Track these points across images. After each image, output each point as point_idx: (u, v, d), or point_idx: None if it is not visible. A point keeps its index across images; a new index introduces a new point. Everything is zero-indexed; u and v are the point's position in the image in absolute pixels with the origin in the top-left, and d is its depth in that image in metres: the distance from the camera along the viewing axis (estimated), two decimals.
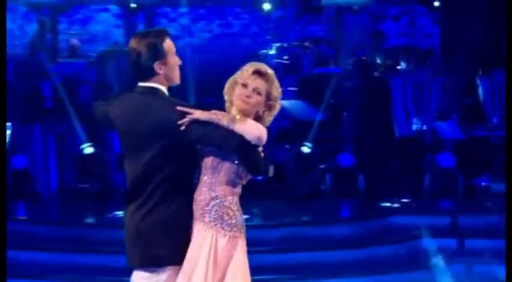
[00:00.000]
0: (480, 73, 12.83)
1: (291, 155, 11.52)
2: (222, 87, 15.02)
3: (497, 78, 12.60)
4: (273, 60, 12.77)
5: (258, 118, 5.24)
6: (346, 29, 13.96)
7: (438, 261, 9.51)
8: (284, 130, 12.15)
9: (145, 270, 5.18)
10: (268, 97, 5.21)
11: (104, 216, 11.33)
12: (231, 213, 5.18)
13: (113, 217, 10.97)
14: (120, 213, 10.26)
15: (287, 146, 11.72)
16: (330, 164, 11.52)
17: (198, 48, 13.61)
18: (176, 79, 5.29)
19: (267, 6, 13.52)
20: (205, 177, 5.12)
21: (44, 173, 11.94)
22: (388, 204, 10.85)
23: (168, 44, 5.32)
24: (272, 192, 11.35)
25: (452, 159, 11.29)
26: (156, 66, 5.14)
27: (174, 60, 5.27)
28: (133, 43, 5.20)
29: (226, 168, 5.07)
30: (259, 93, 5.16)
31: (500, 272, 8.89)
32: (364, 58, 12.91)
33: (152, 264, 5.13)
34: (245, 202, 11.68)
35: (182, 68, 14.72)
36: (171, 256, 5.17)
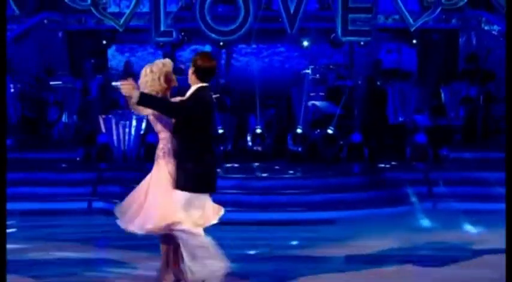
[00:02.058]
0: (442, 85, 12.75)
1: (321, 135, 11.40)
2: (278, 96, 15.07)
3: (454, 88, 12.59)
4: (310, 77, 12.64)
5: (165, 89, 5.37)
6: (356, 57, 14.02)
7: (414, 200, 9.67)
8: (317, 119, 11.98)
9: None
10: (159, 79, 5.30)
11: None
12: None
13: None
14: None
15: (318, 130, 11.55)
16: (346, 141, 11.36)
17: (262, 70, 13.44)
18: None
19: (305, 43, 13.25)
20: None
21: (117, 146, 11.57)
22: (382, 166, 10.83)
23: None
24: (309, 159, 11.26)
25: (424, 138, 11.23)
26: None
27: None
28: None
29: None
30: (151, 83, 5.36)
31: (454, 206, 9.36)
32: (369, 75, 12.99)
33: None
34: (292, 166, 11.74)
35: (251, 83, 14.50)
36: None
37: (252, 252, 7.46)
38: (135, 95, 5.09)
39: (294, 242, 8.06)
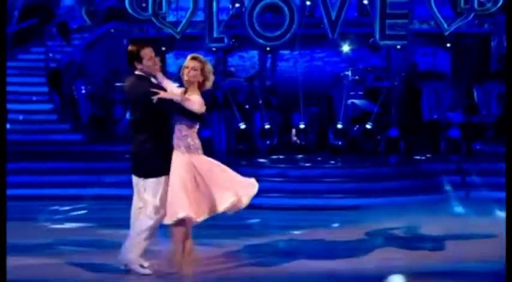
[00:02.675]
0: (475, 84, 12.60)
1: (360, 130, 11.49)
2: (320, 96, 14.98)
3: (486, 87, 12.44)
4: (349, 78, 12.62)
5: (200, 84, 5.34)
6: (393, 60, 13.78)
7: (448, 189, 9.61)
8: (356, 116, 12.00)
9: None
10: (202, 71, 5.30)
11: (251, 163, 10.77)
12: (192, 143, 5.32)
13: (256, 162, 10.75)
14: (264, 160, 10.77)
15: (357, 126, 11.66)
16: (383, 135, 11.39)
17: (305, 72, 13.49)
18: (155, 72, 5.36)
19: (345, 48, 13.06)
20: (178, 126, 5.29)
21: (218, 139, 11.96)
22: (418, 157, 10.80)
23: (146, 51, 5.38)
24: (349, 151, 11.36)
25: (458, 133, 11.18)
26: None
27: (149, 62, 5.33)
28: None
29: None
30: (194, 69, 5.30)
31: (488, 194, 9.19)
32: (405, 77, 12.93)
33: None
34: (333, 157, 11.74)
35: (295, 84, 14.44)
36: None
37: (295, 232, 7.43)
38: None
39: (335, 224, 8.04)
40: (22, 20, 14.12)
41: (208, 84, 5.43)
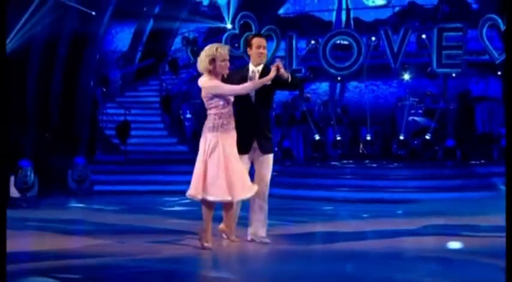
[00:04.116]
0: None
1: (421, 141, 11.22)
2: (384, 115, 14.66)
3: None
4: (411, 99, 12.38)
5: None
6: (449, 87, 13.24)
7: (500, 188, 8.99)
8: (416, 130, 11.75)
9: None
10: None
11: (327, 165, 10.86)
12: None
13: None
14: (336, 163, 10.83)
15: (417, 138, 11.38)
16: (441, 146, 11.04)
17: (371, 97, 13.39)
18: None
19: (406, 76, 12.72)
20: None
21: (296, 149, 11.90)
22: (473, 162, 10.50)
23: (254, 40, 4.91)
24: (411, 160, 11.10)
25: None
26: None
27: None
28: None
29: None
30: (229, 60, 4.78)
31: None
32: (460, 99, 12.52)
33: None
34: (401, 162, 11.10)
35: (363, 106, 14.20)
36: None
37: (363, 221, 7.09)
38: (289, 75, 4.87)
39: (399, 211, 7.82)
40: (142, 60, 14.86)
41: (220, 69, 4.82)
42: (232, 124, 4.79)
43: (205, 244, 4.81)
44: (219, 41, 13.44)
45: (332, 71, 12.41)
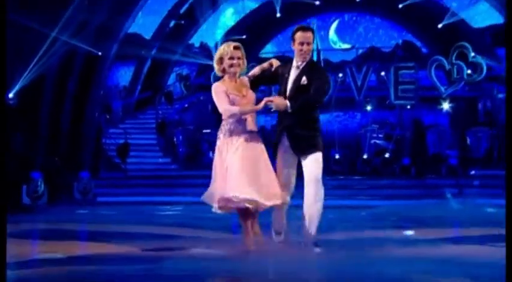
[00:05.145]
0: (467, 130, 12.25)
1: (381, 160, 11.49)
2: (349, 139, 14.47)
3: (476, 131, 12.15)
4: (373, 126, 12.57)
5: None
6: (404, 116, 13.40)
7: (447, 197, 8.90)
8: (378, 151, 11.93)
9: None
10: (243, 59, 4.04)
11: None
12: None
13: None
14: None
15: (378, 156, 11.71)
16: (398, 163, 11.20)
17: (339, 125, 13.40)
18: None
19: (368, 107, 13.03)
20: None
21: None
22: (425, 177, 10.67)
23: (297, 35, 4.02)
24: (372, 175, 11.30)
25: (456, 161, 11.14)
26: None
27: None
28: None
29: None
30: (239, 58, 4.05)
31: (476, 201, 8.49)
32: (414, 125, 12.66)
33: None
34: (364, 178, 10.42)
35: (332, 133, 13.95)
36: None
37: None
38: (288, 106, 3.94)
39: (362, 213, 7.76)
40: (141, 93, 15.05)
41: (226, 67, 4.10)
42: (247, 127, 4.03)
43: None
44: (208, 77, 13.74)
45: None
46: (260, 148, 4.07)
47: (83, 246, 4.93)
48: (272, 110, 4.02)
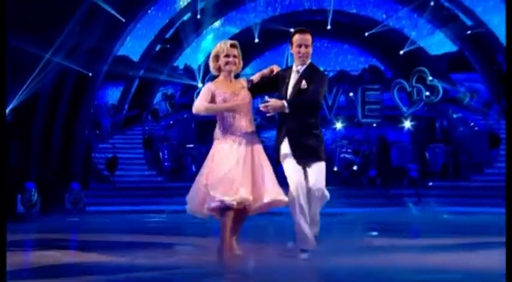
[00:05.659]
0: (426, 146, 12.53)
1: (350, 172, 11.69)
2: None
3: (433, 147, 12.42)
4: (342, 142, 12.75)
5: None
6: (371, 133, 13.69)
7: (408, 205, 9.29)
8: (347, 164, 12.10)
9: None
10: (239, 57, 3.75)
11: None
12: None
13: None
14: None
15: (347, 169, 11.88)
16: (365, 175, 11.54)
17: None
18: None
19: (338, 125, 13.47)
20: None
21: None
22: (389, 187, 10.95)
23: (295, 38, 3.71)
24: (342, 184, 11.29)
25: (416, 174, 11.37)
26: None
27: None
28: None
29: None
30: (235, 56, 3.77)
31: (432, 208, 8.96)
32: (381, 141, 12.77)
33: None
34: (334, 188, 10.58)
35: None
36: None
37: None
38: (285, 106, 3.66)
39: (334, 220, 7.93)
40: (128, 111, 14.96)
41: (220, 65, 3.82)
42: (241, 128, 3.73)
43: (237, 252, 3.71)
44: (191, 97, 13.88)
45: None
46: (255, 148, 3.72)
47: (71, 254, 4.69)
48: (269, 114, 3.72)
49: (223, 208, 3.61)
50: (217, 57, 3.80)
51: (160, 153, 13.22)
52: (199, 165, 4.11)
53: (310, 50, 3.72)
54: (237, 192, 3.59)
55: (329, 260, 3.68)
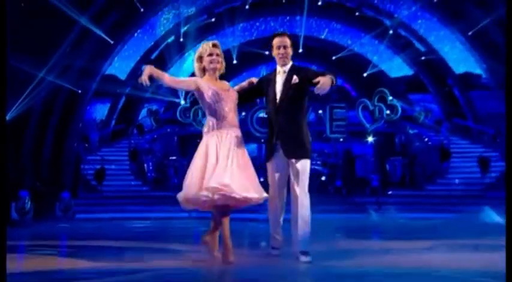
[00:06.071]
0: (386, 158, 12.98)
1: (318, 182, 11.83)
2: None
3: (393, 161, 12.94)
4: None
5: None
6: (338, 147, 13.97)
7: (369, 211, 9.57)
8: (315, 174, 12.14)
9: None
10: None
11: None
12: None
13: None
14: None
15: (315, 179, 12.02)
16: (332, 185, 11.76)
17: None
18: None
19: None
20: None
21: None
22: (353, 196, 11.28)
23: (275, 41, 3.65)
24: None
25: (377, 183, 11.65)
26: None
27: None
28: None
29: None
30: (218, 55, 3.67)
31: (394, 215, 9.21)
32: (347, 154, 13.34)
33: None
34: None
35: None
36: None
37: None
38: (332, 78, 3.51)
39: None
40: (115, 125, 15.06)
41: (206, 65, 3.70)
42: (230, 123, 3.60)
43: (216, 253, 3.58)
44: (174, 113, 14.26)
45: (257, 134, 12.80)
46: (239, 142, 3.57)
47: (62, 259, 4.52)
48: (320, 92, 3.37)
49: (224, 206, 3.49)
50: (201, 58, 3.69)
51: (145, 165, 13.42)
52: (181, 176, 3.99)
53: (289, 51, 3.72)
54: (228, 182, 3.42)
55: (298, 262, 3.65)
